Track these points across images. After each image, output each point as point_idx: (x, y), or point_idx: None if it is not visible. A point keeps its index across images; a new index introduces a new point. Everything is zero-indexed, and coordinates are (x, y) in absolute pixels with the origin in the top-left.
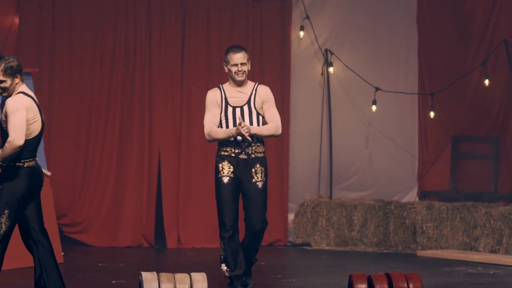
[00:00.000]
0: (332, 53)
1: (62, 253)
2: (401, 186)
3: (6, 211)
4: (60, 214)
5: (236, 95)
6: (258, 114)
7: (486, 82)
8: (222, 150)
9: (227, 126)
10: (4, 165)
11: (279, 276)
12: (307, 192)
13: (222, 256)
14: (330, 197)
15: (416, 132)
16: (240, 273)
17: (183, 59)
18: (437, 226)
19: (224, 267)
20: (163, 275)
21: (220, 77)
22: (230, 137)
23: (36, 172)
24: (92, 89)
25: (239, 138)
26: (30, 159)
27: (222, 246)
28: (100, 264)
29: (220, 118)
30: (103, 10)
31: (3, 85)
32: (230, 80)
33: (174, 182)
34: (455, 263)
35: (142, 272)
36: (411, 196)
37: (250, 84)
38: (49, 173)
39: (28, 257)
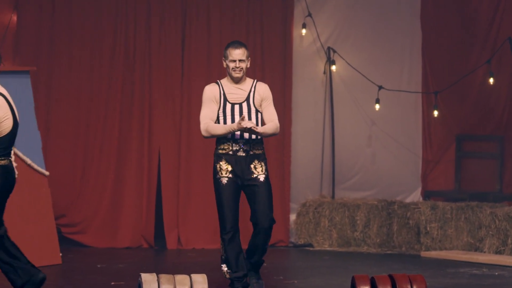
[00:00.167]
0: (334, 51)
1: (60, 254)
2: (405, 186)
3: None
4: (58, 214)
5: (235, 91)
6: (257, 111)
7: (491, 80)
8: (220, 148)
9: (225, 123)
10: None
11: (281, 277)
12: (309, 192)
13: (223, 257)
14: (333, 197)
15: (420, 131)
16: (241, 275)
17: (183, 58)
18: (441, 227)
19: (224, 268)
20: (163, 277)
21: (220, 76)
22: (231, 132)
23: (9, 171)
24: (91, 88)
25: (246, 135)
26: (3, 158)
27: (223, 247)
28: (99, 265)
29: (218, 114)
30: (102, 9)
31: None
32: (228, 76)
33: (174, 182)
34: (459, 264)
35: (141, 273)
36: (415, 196)
37: (249, 81)
38: (47, 173)
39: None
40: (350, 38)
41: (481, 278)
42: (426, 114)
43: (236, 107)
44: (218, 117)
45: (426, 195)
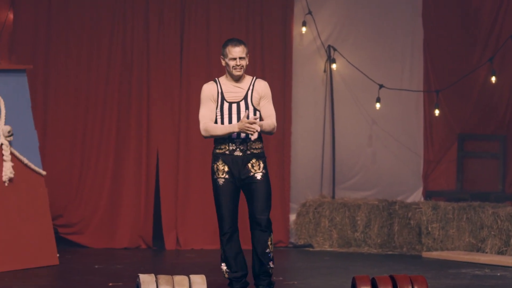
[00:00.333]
0: (335, 50)
1: (58, 255)
2: (406, 186)
3: None
4: (55, 214)
5: (233, 90)
6: (255, 110)
7: (493, 79)
8: (217, 148)
9: (222, 122)
10: None
11: (281, 278)
12: (309, 192)
13: (222, 256)
14: (333, 197)
15: (421, 131)
16: (239, 275)
17: (182, 56)
18: (443, 227)
19: (224, 266)
20: (161, 277)
21: (219, 75)
22: (232, 133)
23: None
24: (89, 87)
25: (242, 135)
26: None
27: (222, 247)
28: (96, 266)
29: (216, 113)
30: (100, 7)
31: None
32: (227, 74)
33: (172, 182)
34: (461, 265)
35: (139, 274)
36: (416, 196)
37: (248, 79)
38: (44, 173)
39: (25, 259)
40: (350, 36)
41: (483, 279)
42: (428, 113)
43: (234, 106)
44: (215, 116)
45: (428, 195)
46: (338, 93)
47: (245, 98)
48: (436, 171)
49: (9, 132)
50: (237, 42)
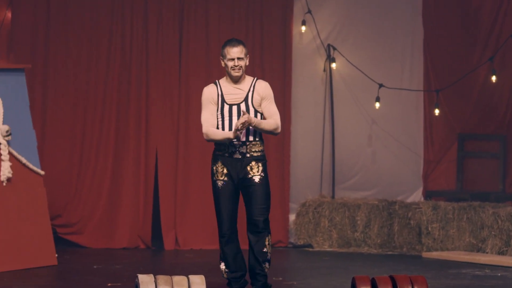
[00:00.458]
0: (334, 49)
1: (56, 255)
2: (406, 186)
3: None
4: (54, 214)
5: (233, 91)
6: (256, 111)
7: (493, 78)
8: (217, 150)
9: (223, 125)
10: None
11: (280, 278)
12: (309, 192)
13: (221, 255)
14: (333, 197)
15: (421, 130)
16: (238, 275)
17: (181, 56)
18: (443, 227)
19: (223, 266)
20: (160, 278)
21: (219, 75)
22: (228, 140)
23: None
24: (88, 87)
25: (242, 136)
26: None
27: (221, 247)
28: (95, 266)
29: (217, 116)
30: (99, 7)
31: None
32: (227, 75)
33: (171, 181)
34: (461, 265)
35: (138, 274)
36: (416, 196)
37: (248, 80)
38: (42, 172)
39: (23, 259)
40: (350, 36)
41: (484, 279)
42: (428, 112)
43: (234, 108)
44: (217, 118)
45: (428, 195)
46: (338, 93)
47: (246, 99)
48: (436, 171)
49: (7, 131)
50: (236, 42)
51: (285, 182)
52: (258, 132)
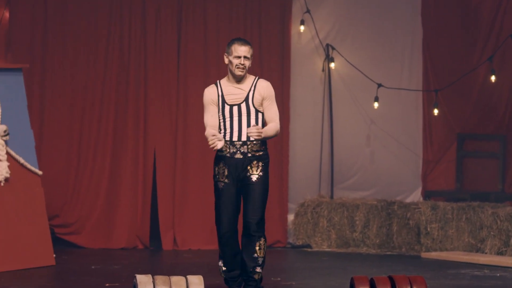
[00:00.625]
0: (333, 48)
1: (54, 255)
2: (405, 186)
3: None
4: (52, 214)
5: (234, 91)
6: (257, 112)
7: (493, 78)
8: (219, 151)
9: (224, 125)
10: None
11: (279, 279)
12: (308, 192)
13: (220, 254)
14: (331, 197)
15: (420, 130)
16: (235, 275)
17: (179, 56)
18: (442, 227)
19: (221, 263)
20: (158, 278)
21: (218, 74)
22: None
23: None
24: (86, 87)
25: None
26: None
27: (220, 247)
28: (93, 267)
29: (218, 116)
30: (97, 6)
31: None
32: (229, 74)
33: (170, 181)
34: (460, 265)
35: (136, 274)
36: (415, 196)
37: (250, 79)
38: (40, 172)
39: (21, 259)
40: (349, 35)
41: (483, 279)
42: (427, 112)
43: (235, 109)
44: (219, 119)
45: (427, 195)
46: (336, 92)
47: (246, 99)
48: (435, 171)
49: (5, 131)
50: (244, 41)
51: (283, 182)
52: None
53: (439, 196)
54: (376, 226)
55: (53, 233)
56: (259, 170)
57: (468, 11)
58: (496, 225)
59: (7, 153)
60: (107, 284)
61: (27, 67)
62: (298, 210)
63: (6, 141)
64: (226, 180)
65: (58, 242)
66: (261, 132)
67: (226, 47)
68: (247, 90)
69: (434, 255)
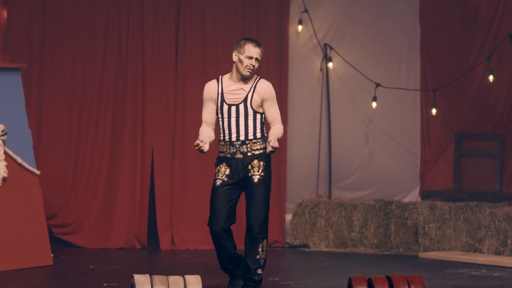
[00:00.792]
0: (331, 48)
1: (52, 255)
2: (403, 186)
3: None
4: (50, 214)
5: (234, 91)
6: (255, 113)
7: (491, 78)
8: (220, 152)
9: (222, 124)
10: None
11: (276, 278)
12: (306, 192)
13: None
14: (329, 197)
15: (418, 130)
16: (229, 268)
17: (177, 55)
18: (440, 227)
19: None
20: (156, 278)
21: (216, 74)
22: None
23: None
24: (84, 87)
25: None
26: None
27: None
28: (91, 266)
29: (217, 113)
30: (95, 6)
31: None
32: (233, 72)
33: (167, 181)
34: (458, 265)
35: (134, 274)
36: (413, 196)
37: (252, 79)
38: (38, 172)
39: (18, 259)
40: (347, 35)
41: (480, 279)
42: (425, 112)
43: (233, 109)
44: (217, 115)
45: (425, 195)
46: (334, 92)
47: (245, 100)
48: (433, 170)
49: (3, 131)
50: (258, 43)
51: (281, 182)
52: (258, 130)
53: (437, 196)
54: (374, 226)
55: (51, 233)
56: (260, 170)
57: (466, 10)
58: (494, 225)
59: (5, 152)
60: (105, 284)
61: (25, 66)
62: (296, 210)
63: (4, 141)
64: (224, 178)
65: (56, 242)
66: (277, 145)
67: (235, 44)
68: (247, 91)
69: (432, 255)
